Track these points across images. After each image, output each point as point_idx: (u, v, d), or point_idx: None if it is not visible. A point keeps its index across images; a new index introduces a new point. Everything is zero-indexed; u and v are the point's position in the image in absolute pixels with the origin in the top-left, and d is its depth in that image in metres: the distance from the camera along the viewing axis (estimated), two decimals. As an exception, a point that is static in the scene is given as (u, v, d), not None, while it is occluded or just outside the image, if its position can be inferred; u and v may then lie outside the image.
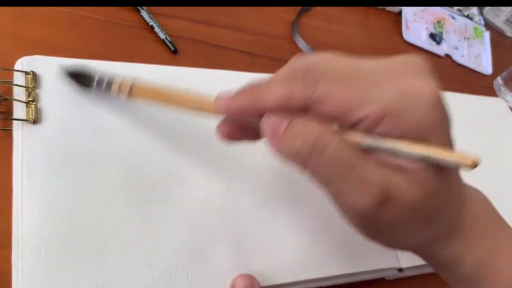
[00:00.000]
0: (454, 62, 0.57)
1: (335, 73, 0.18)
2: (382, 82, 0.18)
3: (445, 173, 0.19)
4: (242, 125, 0.23)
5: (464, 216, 0.21)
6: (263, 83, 0.20)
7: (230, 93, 0.21)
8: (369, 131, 0.18)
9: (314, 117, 0.18)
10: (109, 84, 0.28)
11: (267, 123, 0.19)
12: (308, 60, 0.19)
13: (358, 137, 0.18)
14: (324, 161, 0.18)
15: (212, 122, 0.32)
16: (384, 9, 0.57)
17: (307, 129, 0.18)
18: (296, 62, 0.20)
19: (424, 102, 0.17)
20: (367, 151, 0.18)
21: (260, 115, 0.20)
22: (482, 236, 0.21)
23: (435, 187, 0.18)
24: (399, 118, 0.17)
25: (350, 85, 0.18)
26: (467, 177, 0.39)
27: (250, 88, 0.20)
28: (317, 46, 0.46)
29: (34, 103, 0.27)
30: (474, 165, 0.16)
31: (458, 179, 0.21)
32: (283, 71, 0.20)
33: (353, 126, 0.18)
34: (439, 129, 0.18)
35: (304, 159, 0.18)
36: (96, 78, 0.28)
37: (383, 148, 0.18)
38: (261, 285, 0.26)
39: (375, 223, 0.19)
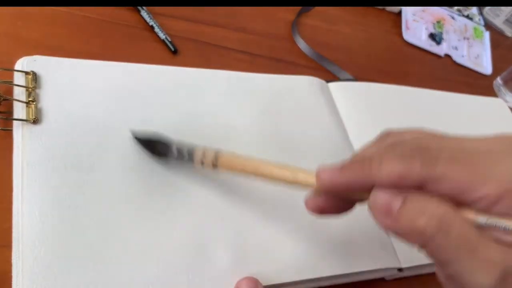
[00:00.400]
0: (454, 62, 0.57)
1: (451, 153, 0.19)
2: (499, 161, 0.18)
3: None
4: (337, 198, 0.22)
5: None
6: (373, 158, 0.20)
7: (333, 167, 0.21)
8: (485, 210, 0.18)
9: (432, 194, 0.18)
10: (190, 154, 0.27)
11: (379, 199, 0.19)
12: (416, 139, 0.20)
13: (472, 215, 0.18)
14: (450, 240, 0.17)
15: (212, 122, 0.32)
16: (384, 9, 0.57)
17: (430, 207, 0.18)
18: (403, 138, 0.20)
19: None
20: (481, 228, 0.18)
21: (366, 189, 0.20)
22: None
23: None
24: None
25: (469, 164, 0.18)
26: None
27: (358, 163, 0.20)
28: (317, 46, 0.46)
29: (34, 103, 0.27)
30: None
31: None
32: (390, 147, 0.20)
33: (469, 205, 0.18)
34: None
35: (427, 237, 0.18)
36: (175, 147, 0.27)
37: (498, 225, 0.18)
38: (263, 284, 0.26)
39: None
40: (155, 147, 0.28)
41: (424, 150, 0.19)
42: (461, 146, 0.19)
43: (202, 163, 0.26)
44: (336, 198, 0.22)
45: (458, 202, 0.18)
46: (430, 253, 0.18)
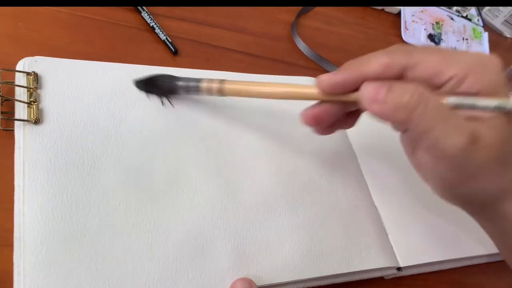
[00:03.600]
0: (453, 62, 0.57)
1: (425, 47, 0.24)
2: (464, 53, 0.23)
3: None
4: (332, 108, 0.26)
5: None
6: (362, 58, 0.23)
7: (332, 72, 0.24)
8: (453, 91, 0.22)
9: (411, 81, 0.22)
10: (196, 85, 0.29)
11: (369, 88, 0.22)
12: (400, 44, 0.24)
13: (444, 96, 0.22)
14: (428, 110, 0.21)
15: (211, 122, 0.33)
16: (383, 10, 0.57)
17: (411, 87, 0.22)
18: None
19: (496, 65, 0.23)
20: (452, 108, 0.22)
21: (358, 87, 0.23)
22: None
23: (509, 133, 0.22)
24: (478, 77, 0.22)
25: (440, 53, 0.23)
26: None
27: (350, 63, 0.24)
28: (316, 47, 0.46)
29: (36, 103, 0.27)
30: None
31: None
32: (381, 51, 0.24)
33: (440, 88, 0.23)
34: (505, 86, 0.23)
35: (410, 110, 0.21)
36: (179, 82, 0.30)
37: (464, 104, 0.22)
38: (260, 284, 0.26)
39: (463, 165, 0.22)
40: (159, 84, 0.30)
41: (404, 46, 0.24)
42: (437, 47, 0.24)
43: (209, 91, 0.29)
44: (331, 107, 0.26)
45: (432, 86, 0.22)
46: (413, 125, 0.22)
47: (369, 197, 0.35)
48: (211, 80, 0.29)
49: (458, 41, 0.60)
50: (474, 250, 0.36)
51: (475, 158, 0.22)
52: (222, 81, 0.28)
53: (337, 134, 0.37)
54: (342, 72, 0.24)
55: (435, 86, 0.23)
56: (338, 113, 0.26)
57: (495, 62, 0.23)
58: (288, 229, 0.29)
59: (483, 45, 0.62)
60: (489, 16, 0.67)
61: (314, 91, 0.25)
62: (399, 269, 0.32)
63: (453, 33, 0.60)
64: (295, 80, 0.39)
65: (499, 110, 0.22)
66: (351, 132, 0.38)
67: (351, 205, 0.33)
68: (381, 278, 0.33)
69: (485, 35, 0.63)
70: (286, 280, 0.28)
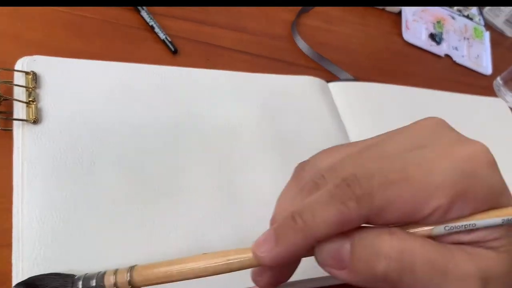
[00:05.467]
0: (454, 62, 0.57)
1: (381, 176, 0.16)
2: (433, 163, 0.17)
3: None
4: (284, 266, 0.20)
5: None
6: (303, 212, 0.17)
7: (265, 238, 0.18)
8: (441, 221, 0.17)
9: (379, 227, 0.17)
10: (100, 280, 0.20)
11: (325, 252, 0.17)
12: (332, 168, 0.18)
13: (427, 230, 0.17)
14: (418, 275, 0.16)
15: (212, 120, 0.32)
16: (384, 9, 0.57)
17: (383, 246, 0.16)
18: (318, 169, 0.18)
19: (489, 170, 0.17)
20: (441, 238, 0.17)
21: (311, 248, 0.17)
22: None
23: None
24: (469, 196, 0.17)
25: (406, 183, 0.16)
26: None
27: (290, 224, 0.17)
28: (317, 46, 0.46)
29: (35, 103, 0.27)
30: None
31: None
32: (312, 188, 0.18)
33: (422, 222, 0.17)
34: (505, 191, 0.17)
35: (394, 281, 0.16)
36: (78, 279, 0.21)
37: (459, 229, 0.17)
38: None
39: None
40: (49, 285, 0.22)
41: (352, 182, 0.17)
42: (386, 158, 0.17)
43: (116, 286, 0.20)
44: (281, 268, 0.20)
45: (409, 222, 0.17)
46: None
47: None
48: (116, 272, 0.20)
49: (459, 40, 0.59)
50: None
51: None
52: (131, 268, 0.20)
53: (338, 135, 0.37)
54: (282, 240, 0.17)
55: (414, 222, 0.17)
56: (295, 267, 0.20)
57: (485, 162, 0.17)
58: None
59: (484, 44, 0.62)
60: (490, 16, 0.67)
61: (252, 260, 0.18)
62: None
63: (454, 32, 0.60)
64: (296, 79, 0.39)
65: (505, 223, 0.17)
66: (352, 133, 0.38)
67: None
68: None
69: (487, 34, 0.63)
70: (287, 281, 0.27)
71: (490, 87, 0.57)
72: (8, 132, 0.27)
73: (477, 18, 0.64)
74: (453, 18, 0.61)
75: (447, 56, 0.57)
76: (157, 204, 0.27)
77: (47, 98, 0.28)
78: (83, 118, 0.28)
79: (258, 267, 0.19)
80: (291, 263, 0.20)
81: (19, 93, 0.27)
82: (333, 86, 0.41)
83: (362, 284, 0.17)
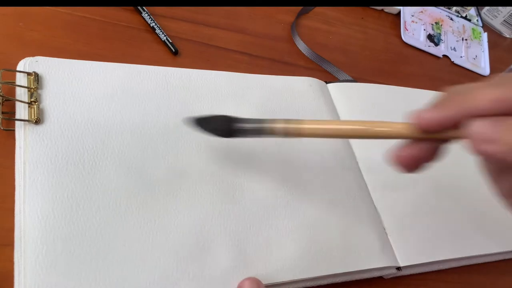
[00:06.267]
0: (452, 63, 0.57)
1: None
2: None
3: None
4: (428, 146, 0.22)
5: None
6: (463, 91, 0.20)
7: (426, 108, 0.21)
8: None
9: None
10: (266, 127, 0.25)
11: (480, 125, 0.19)
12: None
13: None
14: None
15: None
16: (382, 11, 0.58)
17: None
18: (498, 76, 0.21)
19: None
20: None
21: (461, 124, 0.20)
22: None
23: None
24: None
25: None
26: (466, 177, 0.39)
27: (452, 97, 0.20)
28: (316, 47, 0.46)
29: (36, 103, 0.27)
30: None
31: None
32: (482, 82, 0.20)
33: None
34: None
35: None
36: (244, 122, 0.26)
37: None
38: (263, 283, 0.26)
39: None
40: (217, 126, 0.27)
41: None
42: None
43: (273, 132, 0.25)
44: (429, 145, 0.22)
45: None
46: None
47: (369, 196, 0.35)
48: (287, 121, 0.25)
49: (457, 41, 0.60)
50: (473, 250, 0.36)
51: None
52: (299, 122, 0.25)
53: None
54: (444, 108, 0.20)
55: None
56: (436, 151, 0.22)
57: None
58: (288, 229, 0.30)
59: (482, 45, 0.62)
60: (488, 16, 0.67)
61: (405, 129, 0.22)
62: (398, 268, 0.32)
63: (453, 33, 0.60)
64: (295, 80, 0.39)
65: None
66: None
67: (351, 205, 0.33)
68: (381, 277, 0.33)
69: (485, 35, 0.63)
70: (286, 280, 0.28)
71: (488, 88, 0.57)
72: (10, 132, 0.27)
73: (475, 19, 0.64)
74: (451, 19, 0.62)
75: (445, 57, 0.57)
76: (158, 204, 0.27)
77: (49, 98, 0.28)
78: (85, 118, 0.28)
79: (403, 143, 0.22)
80: (435, 148, 0.22)
81: (21, 94, 0.28)
82: (332, 87, 0.42)
83: (500, 154, 0.19)
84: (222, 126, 0.27)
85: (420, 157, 0.22)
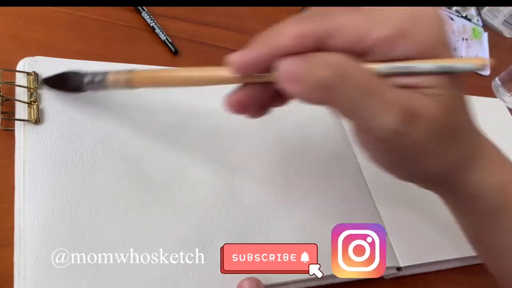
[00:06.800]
0: (453, 62, 0.57)
1: (348, 9, 0.19)
2: (392, 9, 0.19)
3: (460, 88, 0.20)
4: (255, 90, 0.22)
5: (483, 142, 0.22)
6: (271, 29, 0.20)
7: (240, 51, 0.20)
8: (385, 57, 0.18)
9: (332, 51, 0.18)
10: (103, 80, 0.26)
11: (284, 65, 0.19)
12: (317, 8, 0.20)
13: (373, 65, 0.19)
14: (352, 86, 0.18)
15: (212, 121, 0.33)
16: (383, 10, 0.57)
17: (330, 58, 0.18)
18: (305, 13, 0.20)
19: (434, 19, 0.19)
20: (384, 76, 0.19)
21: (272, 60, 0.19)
22: (502, 163, 0.22)
23: (454, 102, 0.19)
24: (414, 38, 0.18)
25: (364, 14, 0.18)
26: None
27: (261, 37, 0.20)
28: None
29: (36, 103, 0.27)
30: (483, 65, 0.18)
31: (469, 105, 0.21)
32: (293, 18, 0.20)
33: (368, 54, 0.18)
34: (447, 45, 0.19)
35: (329, 89, 0.18)
36: (85, 77, 0.27)
37: (398, 70, 0.18)
38: (263, 283, 0.26)
39: (402, 146, 0.19)
40: (65, 81, 0.28)
41: (321, 11, 0.19)
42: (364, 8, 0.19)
43: (117, 84, 0.26)
44: (255, 89, 0.22)
45: (358, 54, 0.18)
46: (337, 106, 0.18)
47: (369, 196, 0.35)
48: (117, 72, 0.26)
49: (457, 41, 0.60)
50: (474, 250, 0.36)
51: (415, 137, 0.19)
52: (130, 71, 0.25)
53: (337, 133, 0.37)
54: (253, 49, 0.20)
55: (362, 53, 0.19)
56: (265, 94, 0.22)
57: (433, 15, 0.19)
58: (287, 229, 0.30)
59: (483, 45, 0.62)
60: (488, 16, 0.67)
61: (228, 73, 0.21)
62: (398, 269, 0.32)
63: (453, 33, 0.60)
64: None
65: (443, 72, 0.18)
66: (350, 132, 0.38)
67: (351, 205, 0.33)
68: (381, 277, 0.33)
69: (485, 35, 0.63)
70: (287, 280, 0.28)
71: (489, 88, 0.57)
72: (10, 132, 0.27)
73: (476, 19, 0.64)
74: (451, 19, 0.61)
75: (446, 56, 0.57)
76: (157, 204, 0.27)
77: (48, 98, 0.28)
78: (84, 118, 0.28)
79: (234, 87, 0.22)
80: (259, 95, 0.22)
81: (21, 94, 0.28)
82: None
83: (308, 96, 0.19)
84: (71, 83, 0.27)
85: (248, 100, 0.22)
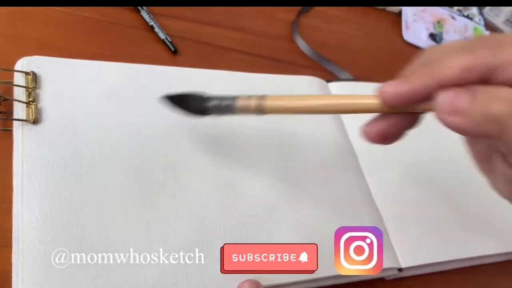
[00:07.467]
0: (454, 62, 0.57)
1: (509, 41, 0.18)
2: None
3: None
4: (399, 120, 0.21)
5: None
6: (433, 59, 0.19)
7: (398, 78, 0.20)
8: None
9: (500, 84, 0.18)
10: (231, 105, 0.25)
11: (446, 98, 0.18)
12: (471, 37, 0.20)
13: None
14: None
15: (212, 122, 0.33)
16: (384, 9, 0.57)
17: (503, 93, 0.17)
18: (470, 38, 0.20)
19: None
20: None
21: (431, 95, 0.19)
22: None
23: None
24: None
25: None
26: (465, 177, 0.38)
27: (421, 66, 0.19)
28: (317, 46, 0.46)
29: (34, 103, 0.27)
30: None
31: None
32: (453, 43, 0.19)
33: None
34: None
35: (500, 123, 0.17)
36: (211, 102, 0.26)
37: None
38: (262, 285, 0.26)
39: None
40: (190, 102, 0.27)
41: (487, 39, 0.18)
42: None
43: (246, 109, 0.25)
44: (397, 118, 0.21)
45: None
46: (506, 138, 0.17)
47: (370, 197, 0.35)
48: (248, 97, 0.24)
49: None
50: (475, 250, 0.36)
51: None
52: (261, 97, 0.24)
53: (338, 135, 0.37)
54: (410, 80, 0.19)
55: None
56: (408, 122, 0.22)
57: None
58: (287, 229, 0.29)
59: (484, 44, 0.62)
60: (490, 16, 0.67)
61: (375, 103, 0.21)
62: (400, 269, 0.32)
63: (455, 32, 0.60)
64: (295, 79, 0.39)
65: None
66: (352, 133, 0.38)
67: (352, 205, 0.33)
68: (382, 279, 0.32)
69: (487, 34, 0.63)
70: (288, 281, 0.27)
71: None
72: (8, 132, 0.27)
73: (477, 18, 0.64)
74: (453, 18, 0.61)
75: (447, 56, 0.57)
76: (157, 204, 0.27)
77: (47, 98, 0.28)
78: (83, 118, 0.28)
79: (374, 114, 0.22)
80: (406, 123, 0.21)
81: (19, 94, 0.27)
82: (333, 86, 0.41)
83: (471, 129, 0.18)
84: (193, 105, 0.27)
85: (391, 130, 0.21)
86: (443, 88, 0.18)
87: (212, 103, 0.26)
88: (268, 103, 0.24)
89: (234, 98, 0.25)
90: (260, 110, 0.24)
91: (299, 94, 0.23)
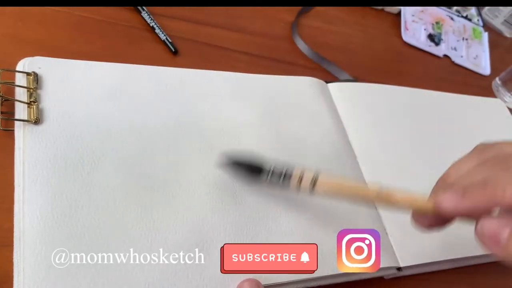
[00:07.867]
0: (453, 62, 0.57)
1: None
2: None
3: None
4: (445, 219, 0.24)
5: None
6: (496, 184, 0.20)
7: (452, 192, 0.22)
8: None
9: None
10: (287, 176, 0.27)
11: (487, 228, 0.20)
12: None
13: None
14: None
15: (211, 121, 0.33)
16: (383, 10, 0.57)
17: None
18: (504, 151, 0.22)
19: None
20: None
21: (483, 213, 0.21)
22: None
23: None
24: None
25: None
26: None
27: (480, 188, 0.21)
28: (316, 46, 0.46)
29: (36, 103, 0.27)
30: None
31: None
32: (500, 165, 0.21)
33: None
34: None
35: None
36: (270, 169, 0.27)
37: None
38: (262, 284, 0.26)
39: None
40: (248, 170, 0.28)
41: None
42: None
43: (299, 185, 0.27)
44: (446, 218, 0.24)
45: None
46: None
47: (369, 197, 0.35)
48: (303, 178, 0.26)
49: (458, 41, 0.60)
50: (474, 250, 0.36)
51: None
52: (317, 174, 0.26)
53: (338, 136, 0.37)
54: (469, 199, 0.21)
55: None
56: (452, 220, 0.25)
57: None
58: (287, 229, 0.29)
59: (483, 45, 0.62)
60: (489, 16, 0.67)
61: (430, 208, 0.24)
62: (399, 269, 0.32)
63: (453, 33, 0.60)
64: (295, 80, 0.39)
65: None
66: (352, 133, 0.38)
67: (351, 206, 0.33)
68: (381, 278, 0.33)
69: (485, 35, 0.63)
70: (287, 280, 0.27)
71: (489, 88, 0.57)
72: (10, 132, 0.27)
73: (476, 18, 0.64)
74: (452, 19, 0.61)
75: (446, 56, 0.57)
76: (157, 204, 0.27)
77: (48, 98, 0.28)
78: (84, 118, 0.28)
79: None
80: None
81: (21, 94, 0.28)
82: (333, 86, 0.41)
83: (506, 257, 0.20)
84: (248, 175, 0.28)
85: (437, 225, 0.25)
86: (487, 216, 0.20)
87: (271, 179, 0.27)
88: (321, 182, 0.26)
89: (290, 175, 0.27)
90: (313, 192, 0.27)
91: (352, 181, 0.26)
